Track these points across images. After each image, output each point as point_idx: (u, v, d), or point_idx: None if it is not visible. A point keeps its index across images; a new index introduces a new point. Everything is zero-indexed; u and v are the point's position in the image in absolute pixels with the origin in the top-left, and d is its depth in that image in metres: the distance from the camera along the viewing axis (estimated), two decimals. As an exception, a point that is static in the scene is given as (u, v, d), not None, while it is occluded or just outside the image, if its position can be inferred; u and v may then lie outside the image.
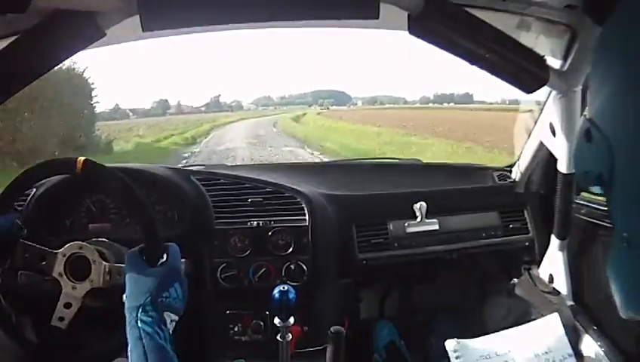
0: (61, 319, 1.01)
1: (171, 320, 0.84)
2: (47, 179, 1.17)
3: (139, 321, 0.80)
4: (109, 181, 1.00)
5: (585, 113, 0.49)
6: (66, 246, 1.02)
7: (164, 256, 0.91)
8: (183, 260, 0.99)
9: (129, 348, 0.80)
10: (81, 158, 0.96)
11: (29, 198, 1.25)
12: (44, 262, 1.01)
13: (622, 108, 0.44)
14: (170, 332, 0.83)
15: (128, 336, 0.80)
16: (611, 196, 0.46)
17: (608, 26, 0.47)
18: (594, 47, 0.50)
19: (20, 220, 1.05)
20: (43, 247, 1.02)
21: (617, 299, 0.48)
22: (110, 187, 1.02)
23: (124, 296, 0.84)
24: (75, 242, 1.03)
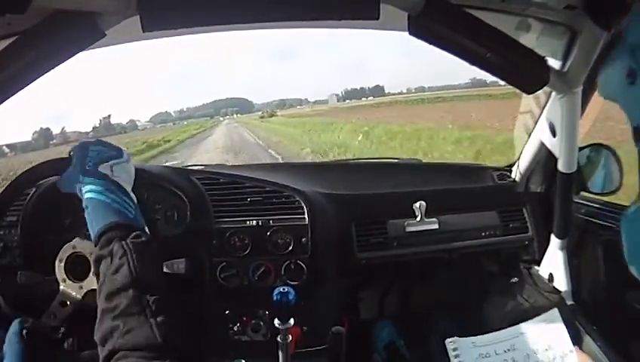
0: (54, 316, 1.01)
1: (112, 166, 0.92)
2: (46, 179, 1.17)
3: (83, 195, 0.89)
4: None
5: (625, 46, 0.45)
6: (60, 252, 1.02)
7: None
8: (182, 260, 1.00)
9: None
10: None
11: (28, 198, 1.25)
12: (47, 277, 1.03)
13: None
14: (117, 175, 0.91)
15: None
16: None
17: None
18: None
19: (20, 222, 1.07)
20: (37, 275, 1.04)
21: (629, 258, 0.46)
22: None
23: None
24: (68, 243, 1.03)
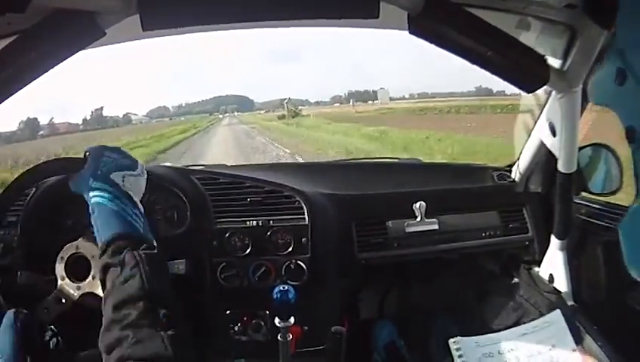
0: (47, 310, 1.02)
1: (124, 176, 0.91)
2: (47, 179, 1.17)
3: (90, 199, 0.88)
4: None
5: (614, 46, 0.46)
6: (63, 250, 1.03)
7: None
8: (182, 260, 0.99)
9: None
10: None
11: (28, 198, 1.25)
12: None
13: None
14: (128, 186, 0.91)
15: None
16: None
17: None
18: None
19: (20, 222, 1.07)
20: (37, 275, 1.05)
21: (628, 260, 0.46)
22: None
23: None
24: (71, 243, 1.03)
